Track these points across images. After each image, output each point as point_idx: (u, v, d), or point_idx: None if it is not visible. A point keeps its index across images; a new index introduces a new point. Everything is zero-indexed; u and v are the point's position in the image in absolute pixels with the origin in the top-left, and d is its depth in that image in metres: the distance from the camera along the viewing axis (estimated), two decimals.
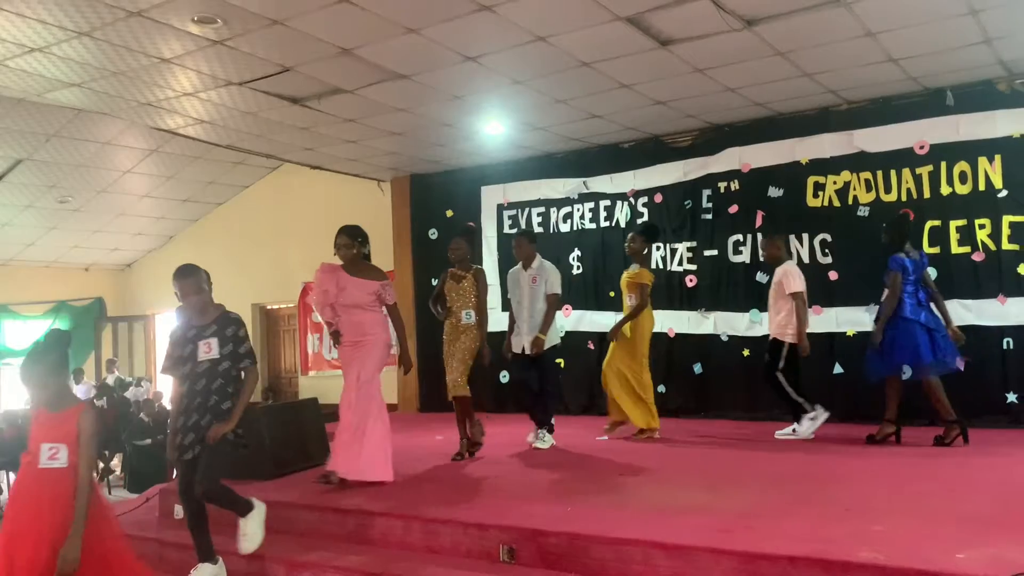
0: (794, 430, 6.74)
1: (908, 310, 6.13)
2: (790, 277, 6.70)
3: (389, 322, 5.67)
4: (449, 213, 10.14)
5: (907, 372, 6.18)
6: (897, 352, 6.15)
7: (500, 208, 9.83)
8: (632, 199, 8.84)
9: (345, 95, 7.22)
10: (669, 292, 8.58)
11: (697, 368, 8.45)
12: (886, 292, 6.29)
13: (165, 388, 11.83)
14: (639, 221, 8.78)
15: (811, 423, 6.69)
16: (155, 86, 7.00)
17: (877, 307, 6.52)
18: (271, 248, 12.02)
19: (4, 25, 5.65)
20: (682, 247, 8.56)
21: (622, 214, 8.93)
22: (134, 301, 14.53)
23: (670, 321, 8.58)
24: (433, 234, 10.27)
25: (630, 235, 7.24)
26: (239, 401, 4.22)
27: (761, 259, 7.47)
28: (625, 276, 7.14)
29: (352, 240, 5.46)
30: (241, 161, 11.53)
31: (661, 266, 8.63)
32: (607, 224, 9.00)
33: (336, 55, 6.26)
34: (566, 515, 4.27)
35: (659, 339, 8.61)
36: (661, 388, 8.57)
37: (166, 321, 13.99)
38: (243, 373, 4.28)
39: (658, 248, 8.66)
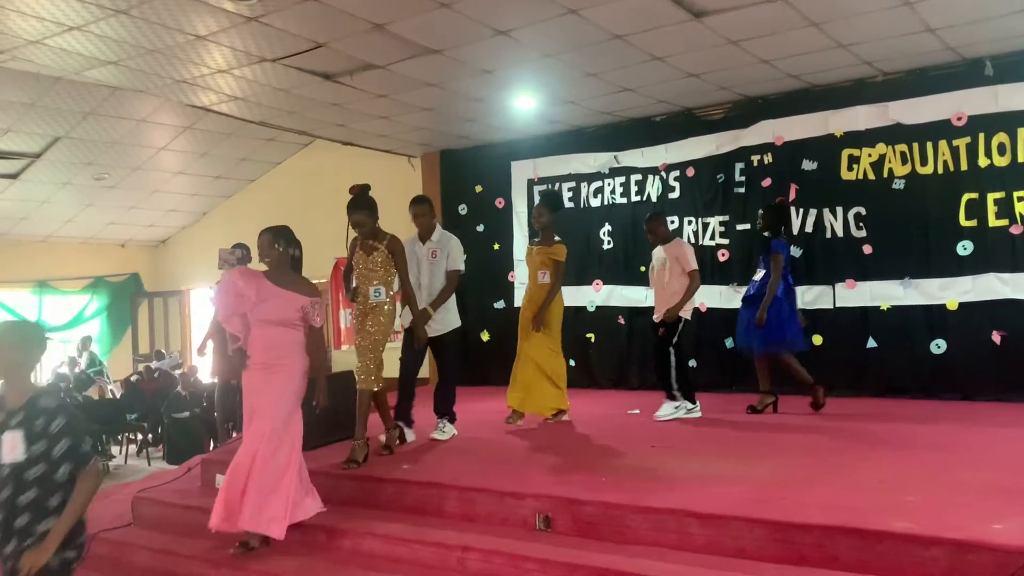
0: (679, 407, 6.72)
1: (780, 291, 6.63)
2: (689, 255, 6.68)
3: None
4: (479, 188, 10.16)
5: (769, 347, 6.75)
6: (766, 329, 6.60)
7: (530, 183, 9.82)
8: (664, 173, 8.81)
9: (377, 71, 7.24)
10: (701, 266, 8.44)
11: (729, 343, 8.40)
12: (760, 272, 6.78)
13: (200, 362, 12.03)
14: (670, 196, 8.78)
15: (674, 411, 6.69)
16: (190, 63, 7.07)
17: (753, 285, 6.87)
18: (303, 224, 11.84)
19: (44, 4, 5.74)
20: (714, 221, 8.51)
21: (653, 188, 8.89)
22: (169, 276, 14.75)
23: (702, 295, 8.46)
24: (463, 210, 10.31)
25: (536, 208, 6.86)
26: (65, 517, 3.01)
27: (649, 239, 7.10)
28: (535, 251, 6.69)
29: (275, 240, 4.58)
30: (273, 138, 11.62)
31: (693, 240, 8.60)
32: (638, 199, 8.97)
33: (368, 30, 6.28)
34: (600, 485, 4.33)
35: (692, 313, 8.61)
36: (692, 363, 8.59)
37: (200, 296, 14.22)
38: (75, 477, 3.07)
39: (690, 222, 8.64)
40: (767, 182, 8.21)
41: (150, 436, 11.14)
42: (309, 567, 4.13)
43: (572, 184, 9.47)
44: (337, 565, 4.14)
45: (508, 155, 9.95)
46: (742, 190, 8.38)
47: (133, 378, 12.16)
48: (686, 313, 6.66)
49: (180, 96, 8.25)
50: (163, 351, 13.66)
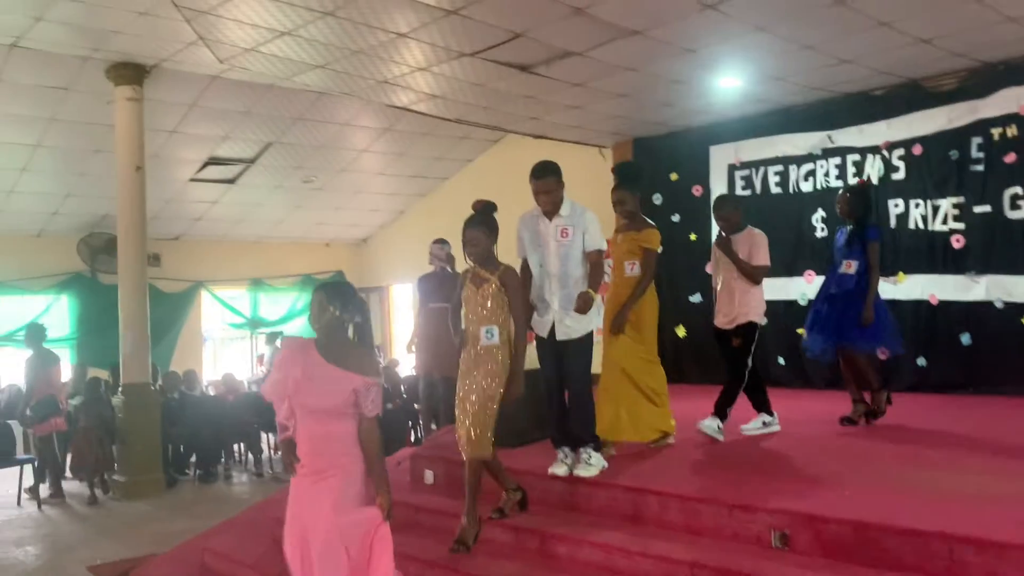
0: (764, 423, 5.80)
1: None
2: (762, 247, 5.68)
3: None
4: (674, 176, 9.73)
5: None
6: (881, 328, 5.95)
7: (731, 168, 9.27)
8: (885, 152, 7.99)
9: (574, 58, 7.03)
10: (931, 254, 7.72)
11: (965, 339, 7.53)
12: (853, 264, 5.93)
13: (402, 356, 12.38)
14: (893, 177, 7.97)
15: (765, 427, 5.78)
16: (391, 62, 7.16)
17: (844, 279, 5.97)
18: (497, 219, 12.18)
19: (257, 10, 5.97)
20: (946, 203, 7.61)
21: (874, 169, 8.09)
22: (370, 273, 15.33)
23: (932, 287, 7.72)
24: (657, 199, 9.91)
25: (615, 193, 5.55)
26: None
27: (720, 226, 5.95)
28: (620, 238, 5.48)
29: (328, 301, 3.45)
30: (466, 136, 11.75)
31: (921, 225, 7.76)
32: (856, 181, 8.21)
33: (568, 15, 6.07)
34: (844, 500, 3.86)
35: (920, 307, 7.82)
36: (921, 360, 7.79)
37: (401, 292, 14.68)
38: None
39: (917, 205, 7.80)
40: (1011, 158, 7.24)
41: None
42: (525, 573, 3.95)
43: (779, 168, 8.83)
44: (553, 573, 3.94)
45: (707, 139, 9.45)
46: (980, 168, 7.44)
47: None
48: (759, 317, 5.69)
49: (381, 97, 8.43)
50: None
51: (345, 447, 3.37)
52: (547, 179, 4.82)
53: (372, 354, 3.58)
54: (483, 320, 4.38)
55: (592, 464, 4.75)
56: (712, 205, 6.18)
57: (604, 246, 4.90)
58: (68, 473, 9.22)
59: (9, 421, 9.06)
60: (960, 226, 7.56)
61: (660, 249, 5.49)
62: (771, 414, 5.88)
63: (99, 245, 12.05)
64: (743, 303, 5.65)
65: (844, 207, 6.19)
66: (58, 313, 12.28)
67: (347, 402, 3.34)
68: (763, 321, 5.76)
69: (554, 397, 4.92)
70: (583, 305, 4.66)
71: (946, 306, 7.68)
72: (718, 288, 5.89)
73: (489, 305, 4.38)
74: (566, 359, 4.78)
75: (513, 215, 5.11)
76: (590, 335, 4.81)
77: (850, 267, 5.99)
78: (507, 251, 5.20)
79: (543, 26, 6.30)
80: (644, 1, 5.83)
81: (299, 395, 3.35)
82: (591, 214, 4.88)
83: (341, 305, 3.43)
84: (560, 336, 4.76)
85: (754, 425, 5.85)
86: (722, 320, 5.79)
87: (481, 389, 4.33)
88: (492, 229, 4.50)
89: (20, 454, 9.02)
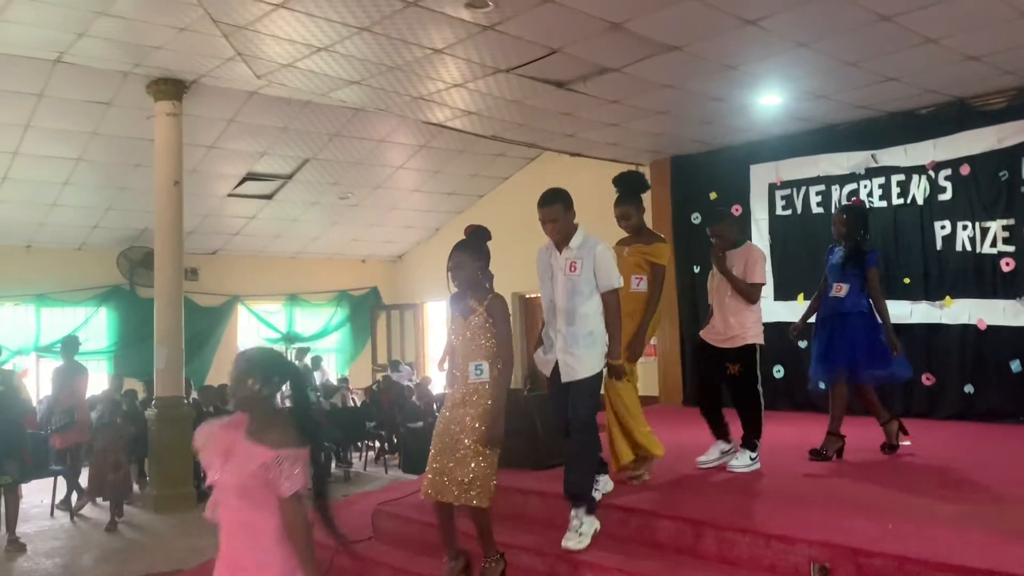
0: (722, 452, 5.43)
1: (868, 308, 5.66)
2: (758, 264, 5.36)
3: None
4: (713, 195, 9.59)
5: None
6: (885, 355, 5.63)
7: (772, 188, 9.10)
8: (932, 172, 7.78)
9: (611, 74, 6.95)
10: (979, 278, 7.48)
11: (1015, 366, 7.27)
12: (844, 288, 5.61)
13: (434, 374, 12.33)
14: (940, 198, 7.74)
15: (751, 462, 5.34)
16: (427, 78, 7.14)
17: (835, 303, 5.66)
18: (530, 238, 11.94)
19: (295, 26, 5.98)
20: (996, 225, 7.38)
21: (919, 189, 7.88)
22: (405, 290, 15.35)
23: (980, 311, 7.47)
24: (696, 218, 9.78)
25: (618, 209, 5.23)
26: None
27: (715, 244, 5.57)
28: (627, 251, 5.09)
29: (249, 372, 2.89)
30: (501, 153, 11.72)
31: (968, 248, 7.53)
32: (900, 201, 7.99)
33: (605, 31, 5.99)
34: (888, 533, 3.69)
35: (967, 332, 7.57)
36: (968, 388, 7.53)
37: (435, 309, 14.67)
38: None
39: (965, 227, 7.57)
40: None
41: (387, 444, 11.50)
42: None
43: (821, 187, 8.65)
44: None
45: (747, 158, 9.30)
46: None
47: (375, 387, 12.69)
48: (757, 338, 5.35)
49: (417, 113, 8.42)
50: (399, 360, 14.17)
51: (260, 544, 2.80)
52: (552, 207, 4.39)
53: (289, 427, 2.88)
54: (471, 355, 4.03)
55: (582, 533, 4.20)
56: (709, 223, 5.91)
57: (617, 284, 4.43)
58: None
59: (43, 432, 9.12)
60: (1010, 249, 7.33)
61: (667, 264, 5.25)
62: (728, 442, 5.52)
63: (138, 259, 12.20)
64: (739, 323, 5.34)
65: (841, 228, 5.79)
66: (97, 325, 12.46)
67: (257, 482, 2.77)
68: (762, 341, 5.40)
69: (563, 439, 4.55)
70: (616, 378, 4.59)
71: (995, 331, 7.43)
72: (712, 303, 5.63)
73: (477, 338, 4.02)
74: (569, 402, 4.35)
75: (545, 238, 4.90)
76: (596, 376, 4.37)
77: (840, 290, 5.66)
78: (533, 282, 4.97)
79: (580, 42, 6.23)
80: (683, 17, 5.72)
81: (217, 480, 2.88)
82: (603, 247, 4.41)
83: (262, 378, 2.89)
84: (563, 377, 4.36)
85: (710, 457, 5.47)
86: (712, 336, 5.50)
87: (473, 429, 3.96)
88: (481, 254, 4.14)
89: (54, 465, 9.06)
